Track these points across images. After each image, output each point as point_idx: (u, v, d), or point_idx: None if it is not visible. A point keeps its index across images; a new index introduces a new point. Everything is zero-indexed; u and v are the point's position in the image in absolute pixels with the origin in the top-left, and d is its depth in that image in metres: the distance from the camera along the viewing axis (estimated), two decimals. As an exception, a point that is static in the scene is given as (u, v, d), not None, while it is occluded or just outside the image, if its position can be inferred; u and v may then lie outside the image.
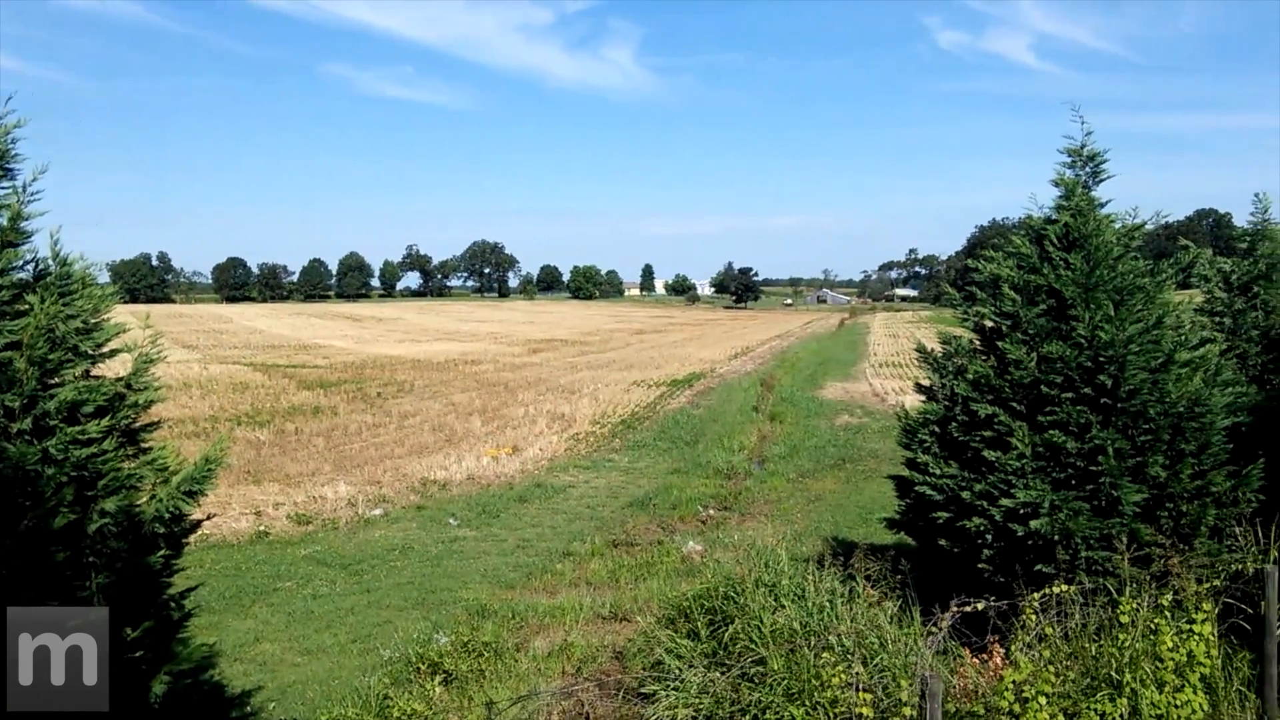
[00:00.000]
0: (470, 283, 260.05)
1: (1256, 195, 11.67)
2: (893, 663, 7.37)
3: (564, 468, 27.66)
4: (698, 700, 7.64)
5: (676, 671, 8.20)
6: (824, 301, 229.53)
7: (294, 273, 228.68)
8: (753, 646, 8.02)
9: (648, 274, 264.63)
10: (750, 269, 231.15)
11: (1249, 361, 10.69)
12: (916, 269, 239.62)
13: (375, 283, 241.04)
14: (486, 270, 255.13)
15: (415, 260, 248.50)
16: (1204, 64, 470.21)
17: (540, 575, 16.58)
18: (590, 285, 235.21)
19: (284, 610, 15.04)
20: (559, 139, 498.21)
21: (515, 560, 17.96)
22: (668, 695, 7.88)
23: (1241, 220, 11.98)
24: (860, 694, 6.14)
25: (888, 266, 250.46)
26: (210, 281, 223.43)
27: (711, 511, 21.93)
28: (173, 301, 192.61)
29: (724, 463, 27.65)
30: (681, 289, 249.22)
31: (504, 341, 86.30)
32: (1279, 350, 10.67)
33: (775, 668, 7.53)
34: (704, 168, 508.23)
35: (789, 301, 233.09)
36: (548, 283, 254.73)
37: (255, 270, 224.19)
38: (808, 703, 6.82)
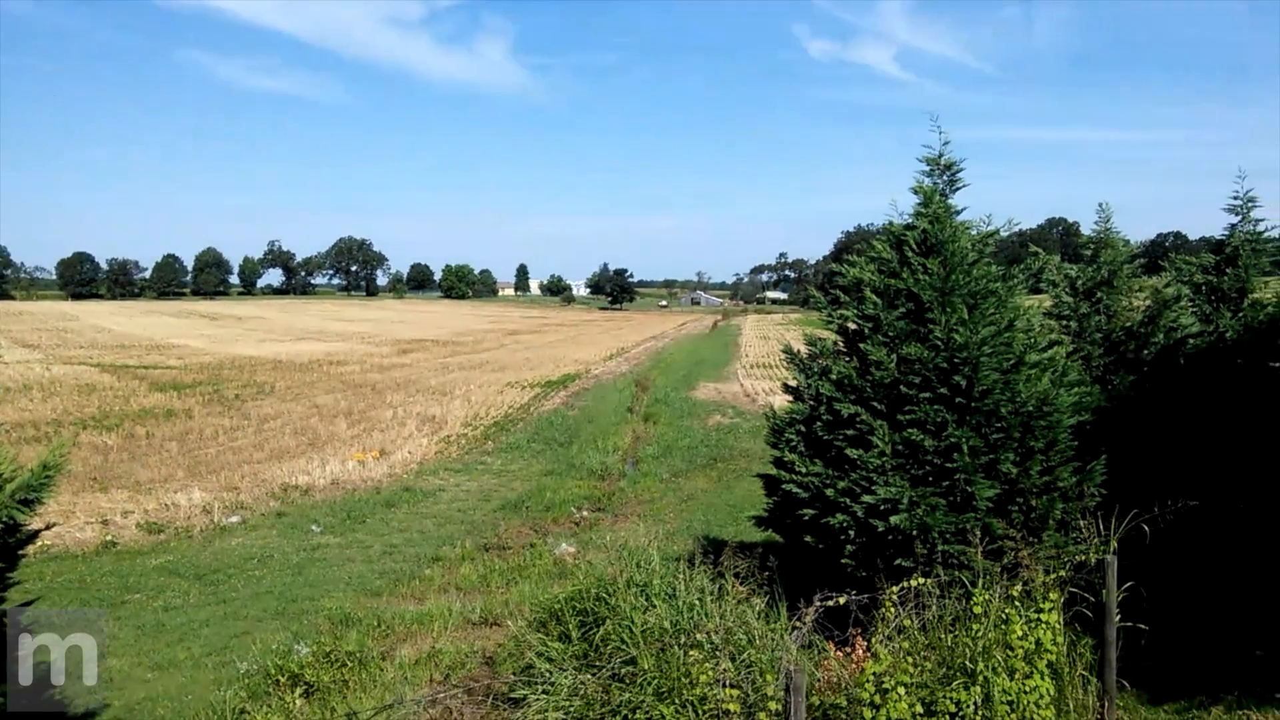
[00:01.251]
0: (336, 281, 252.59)
1: (1100, 205, 12.36)
2: (759, 658, 7.48)
3: (434, 471, 27.18)
4: (568, 703, 7.58)
5: (547, 674, 8.12)
6: (698, 303, 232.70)
7: (146, 269, 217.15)
8: (624, 647, 8.01)
9: (522, 274, 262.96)
10: (626, 270, 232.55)
11: (1093, 363, 11.31)
12: (787, 272, 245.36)
13: (234, 280, 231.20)
14: (354, 268, 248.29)
15: (278, 257, 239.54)
16: (1055, 79, 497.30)
17: (408, 582, 16.22)
18: (463, 285, 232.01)
19: (132, 624, 14.27)
20: (431, 135, 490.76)
21: (382, 567, 17.53)
22: (538, 699, 7.80)
23: (1088, 229, 12.66)
24: (727, 690, 6.21)
25: (759, 269, 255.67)
26: (55, 277, 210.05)
27: (585, 513, 21.91)
28: (12, 298, 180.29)
29: (598, 464, 27.69)
30: (557, 289, 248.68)
31: (372, 341, 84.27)
32: (1120, 352, 11.33)
33: (646, 667, 7.54)
34: (580, 168, 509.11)
35: (664, 303, 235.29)
36: (418, 281, 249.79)
37: (104, 266, 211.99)
38: (677, 701, 6.85)
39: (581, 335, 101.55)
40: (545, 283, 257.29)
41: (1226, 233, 14.58)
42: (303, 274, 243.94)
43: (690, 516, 20.80)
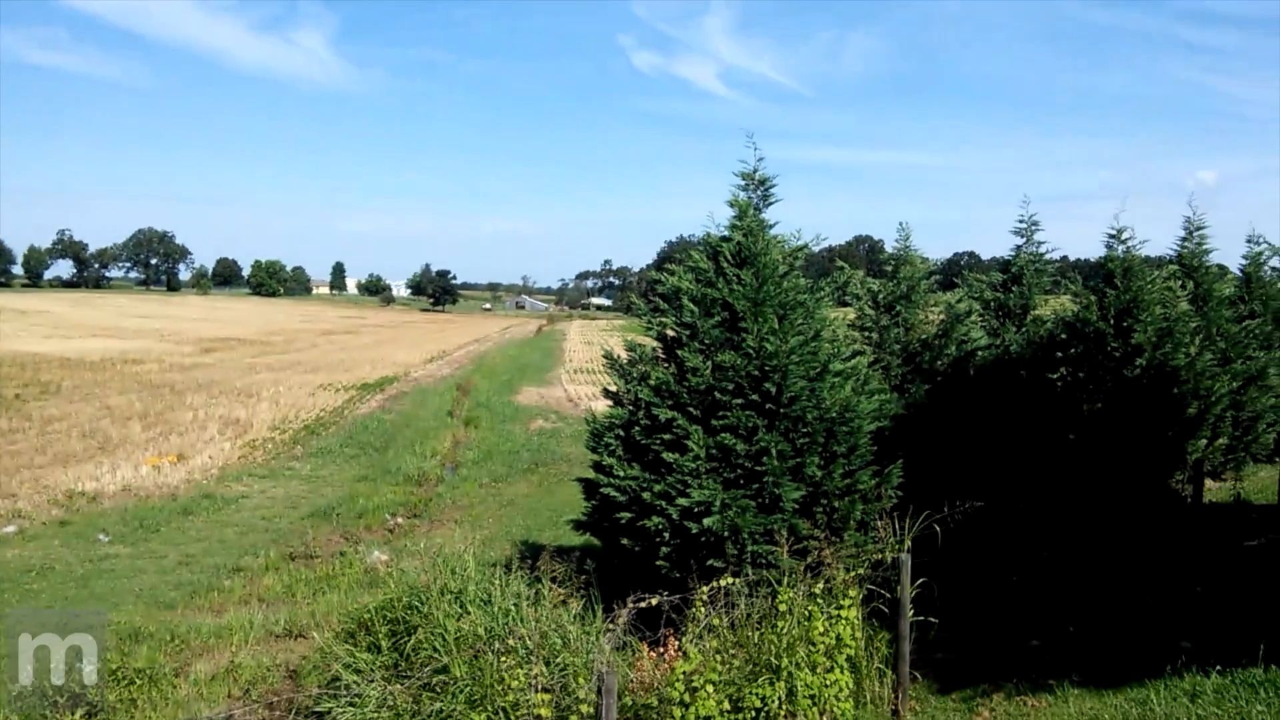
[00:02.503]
0: (134, 274, 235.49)
1: (900, 224, 13.15)
2: (574, 661, 7.51)
3: (237, 477, 25.89)
4: (376, 714, 7.38)
5: (355, 687, 7.88)
6: (523, 308, 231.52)
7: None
8: (436, 655, 7.88)
9: (339, 272, 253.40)
10: (449, 272, 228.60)
11: (891, 372, 12.00)
12: (612, 279, 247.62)
13: (18, 270, 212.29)
14: (154, 261, 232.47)
15: (68, 247, 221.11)
16: (865, 103, 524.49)
17: (205, 594, 15.36)
18: (274, 282, 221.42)
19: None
20: (242, 124, 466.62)
21: (177, 578, 16.53)
22: (344, 711, 7.56)
23: (891, 246, 13.42)
24: (539, 694, 6.21)
25: (585, 275, 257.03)
26: None
27: (400, 519, 21.40)
28: None
29: (415, 469, 27.11)
30: (376, 289, 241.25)
31: (173, 339, 79.36)
32: (916, 363, 12.08)
33: (458, 675, 7.44)
34: (402, 166, 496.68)
35: (488, 306, 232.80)
36: (225, 277, 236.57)
37: None
38: (490, 708, 6.79)
39: (401, 337, 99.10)
40: (363, 282, 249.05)
41: (1013, 253, 15.83)
42: (96, 266, 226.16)
43: (510, 522, 20.67)
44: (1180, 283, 16.99)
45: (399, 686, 7.50)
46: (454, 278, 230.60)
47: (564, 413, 40.04)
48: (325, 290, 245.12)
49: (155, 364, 56.58)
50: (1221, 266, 18.90)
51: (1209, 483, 15.55)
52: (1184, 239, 18.19)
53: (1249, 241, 19.85)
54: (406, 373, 56.87)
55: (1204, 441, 15.60)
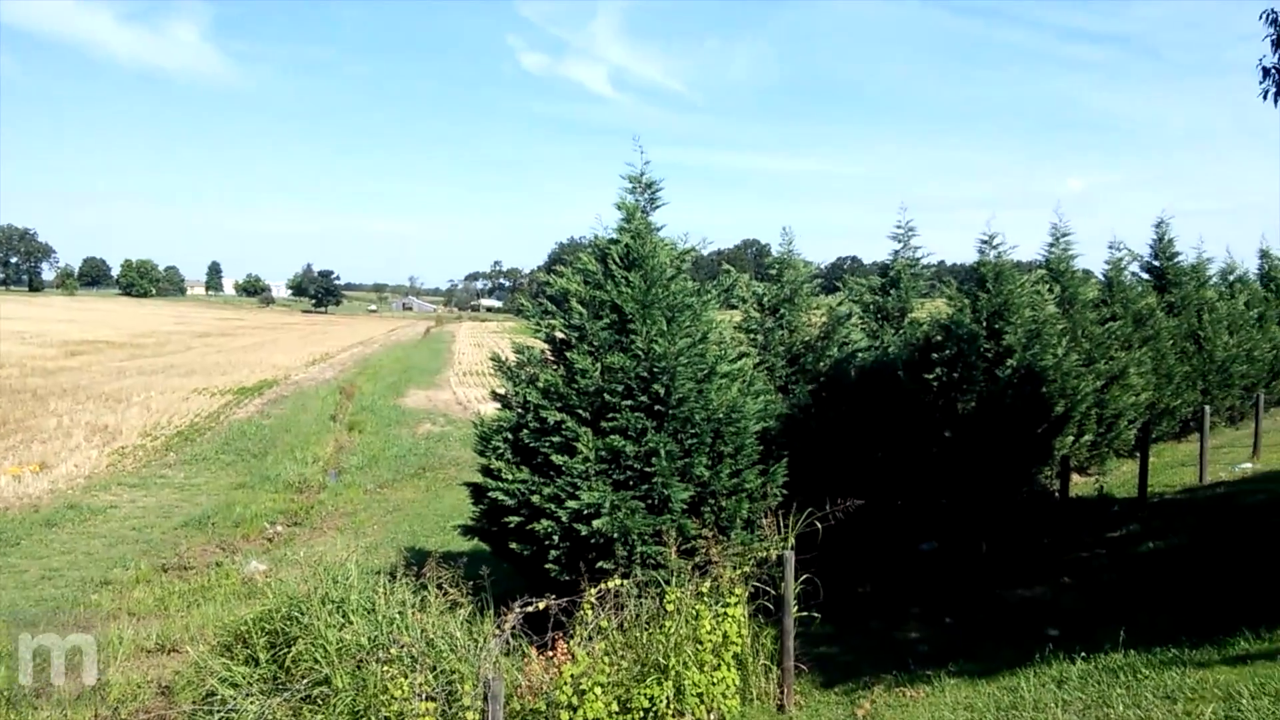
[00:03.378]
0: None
1: (784, 229, 13.41)
2: (461, 668, 7.41)
3: (105, 486, 24.66)
4: (254, 729, 7.13)
5: (231, 701, 7.60)
6: (410, 309, 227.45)
7: None
8: (317, 666, 7.66)
9: (215, 272, 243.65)
10: (332, 272, 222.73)
11: (776, 374, 12.21)
12: (502, 281, 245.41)
13: None
14: (14, 260, 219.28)
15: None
16: (753, 109, 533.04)
17: (70, 609, 14.56)
18: (145, 282, 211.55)
19: None
20: (111, 118, 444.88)
21: (39, 594, 15.63)
22: (220, 728, 7.28)
23: (776, 250, 13.65)
24: (424, 703, 6.09)
25: (474, 277, 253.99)
26: None
27: (280, 528, 20.74)
28: None
29: (296, 475, 26.31)
30: (254, 290, 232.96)
31: (34, 342, 75.04)
32: (800, 364, 12.32)
33: (341, 686, 7.26)
34: (283, 163, 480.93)
35: (373, 308, 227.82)
36: (93, 277, 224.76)
37: None
38: (374, 718, 6.64)
39: (281, 339, 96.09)
40: (241, 282, 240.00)
41: (891, 258, 16.33)
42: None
43: (396, 528, 20.26)
44: (1048, 286, 17.83)
45: (278, 700, 7.26)
46: (337, 278, 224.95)
47: (453, 416, 39.47)
48: (200, 291, 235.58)
49: (15, 368, 53.40)
50: (1087, 271, 19.94)
51: (1075, 477, 16.33)
52: (1051, 245, 19.12)
53: (1111, 247, 21.02)
54: (287, 376, 55.16)
55: (1070, 438, 16.39)
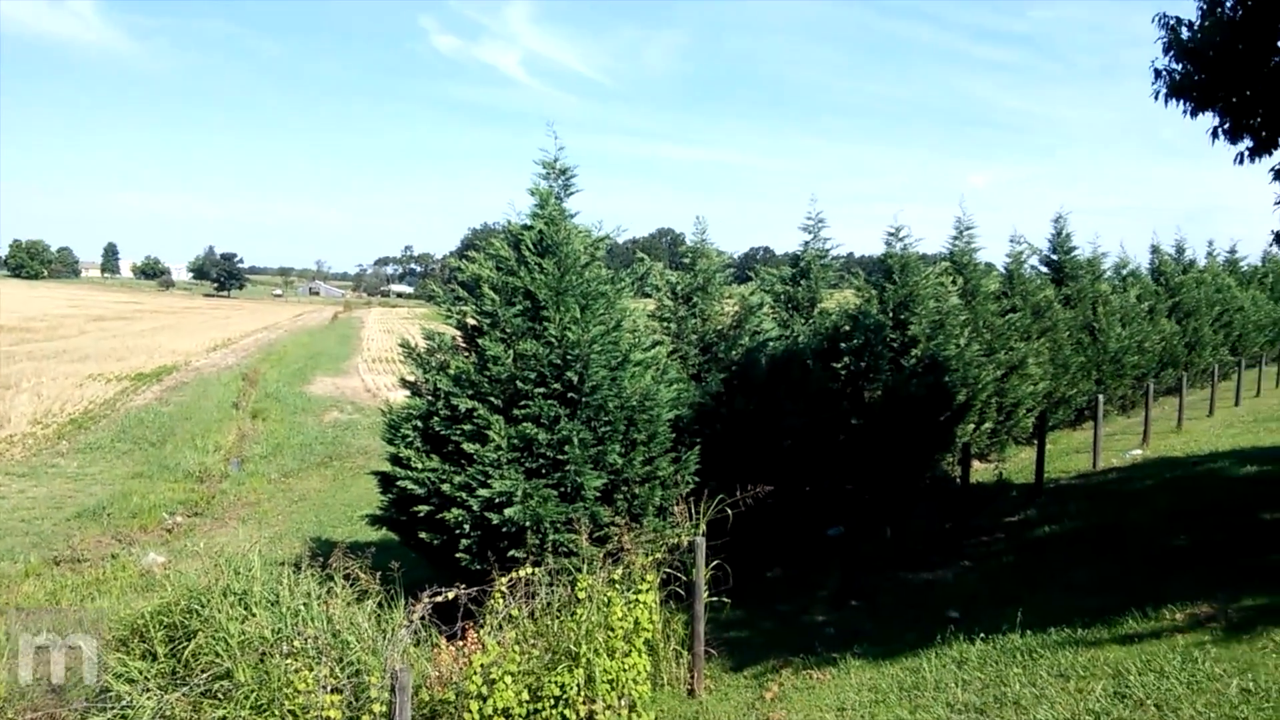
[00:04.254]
0: None
1: (697, 218, 13.47)
2: (369, 660, 7.29)
3: (-8, 476, 23.54)
4: (151, 727, 6.89)
5: (128, 698, 7.33)
6: (317, 294, 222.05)
7: None
8: (219, 660, 7.44)
9: (111, 254, 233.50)
10: (235, 255, 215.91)
11: (689, 362, 12.28)
12: (413, 266, 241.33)
13: None
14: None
15: None
16: (668, 98, 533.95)
17: (-49, 605, 13.88)
18: (36, 263, 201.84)
19: None
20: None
21: (-81, 590, 14.85)
22: (115, 725, 7.01)
23: (690, 240, 13.70)
24: (329, 695, 5.97)
25: (384, 261, 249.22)
26: None
27: (180, 519, 20.10)
28: None
29: (197, 465, 25.50)
30: (153, 273, 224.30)
31: (-85, 326, 71.14)
32: (713, 353, 12.41)
33: (243, 679, 7.06)
34: (185, 143, 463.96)
35: (279, 292, 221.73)
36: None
37: None
38: (277, 712, 6.47)
39: (182, 323, 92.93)
40: (139, 265, 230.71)
41: (801, 249, 16.57)
42: None
43: (301, 518, 19.82)
44: (952, 279, 18.35)
45: (177, 694, 7.03)
46: (241, 262, 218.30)
47: (361, 403, 38.73)
48: (96, 273, 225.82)
49: (-110, 353, 50.58)
50: (989, 264, 20.58)
51: (976, 464, 16.85)
52: (955, 238, 19.66)
53: (1012, 241, 21.72)
54: (187, 362, 53.39)
55: (972, 426, 16.92)
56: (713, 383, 11.95)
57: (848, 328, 15.43)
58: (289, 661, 6.67)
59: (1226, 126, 8.59)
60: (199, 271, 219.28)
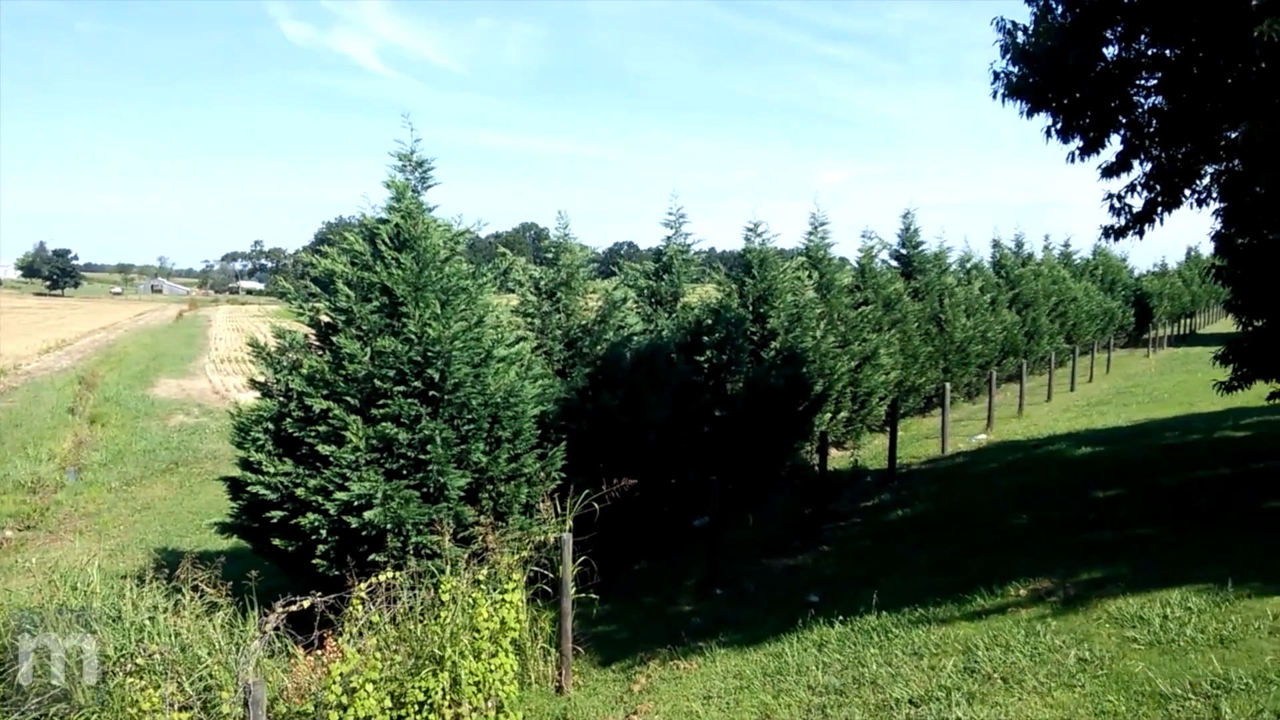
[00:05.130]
0: None
1: (560, 213, 13.39)
2: (220, 674, 6.97)
3: None
4: (-24, 759, 6.40)
5: (-52, 730, 6.78)
6: (160, 292, 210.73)
7: None
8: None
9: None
10: (69, 251, 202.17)
11: (554, 357, 12.20)
12: (263, 261, 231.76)
13: None
14: None
15: None
16: (527, 91, 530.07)
17: None
18: None
19: None
20: None
21: None
22: (-68, 762, 6.47)
23: (554, 234, 13.60)
24: (177, 713, 5.66)
25: (232, 257, 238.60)
26: None
27: (9, 533, 18.71)
28: None
29: (28, 474, 23.80)
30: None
31: None
32: (577, 348, 12.37)
33: (83, 701, 6.65)
34: (6, 132, 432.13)
35: (118, 290, 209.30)
36: None
37: None
38: (120, 735, 6.11)
39: (10, 324, 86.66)
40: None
41: (664, 244, 16.72)
42: None
43: (146, 528, 18.78)
44: (808, 273, 18.88)
45: (6, 723, 6.55)
46: (75, 258, 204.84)
47: (209, 406, 36.98)
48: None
49: None
50: (843, 259, 21.27)
51: (833, 451, 17.40)
52: (811, 233, 20.23)
53: (863, 236, 22.52)
54: (17, 366, 49.81)
55: (829, 415, 17.45)
56: (578, 378, 11.92)
57: (710, 321, 15.66)
58: (133, 680, 6.31)
59: (1059, 126, 9.09)
60: (29, 269, 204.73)
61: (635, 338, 13.10)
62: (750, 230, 17.48)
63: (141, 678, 6.34)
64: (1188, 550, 7.72)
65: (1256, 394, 10.86)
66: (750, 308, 16.57)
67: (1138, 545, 8.24)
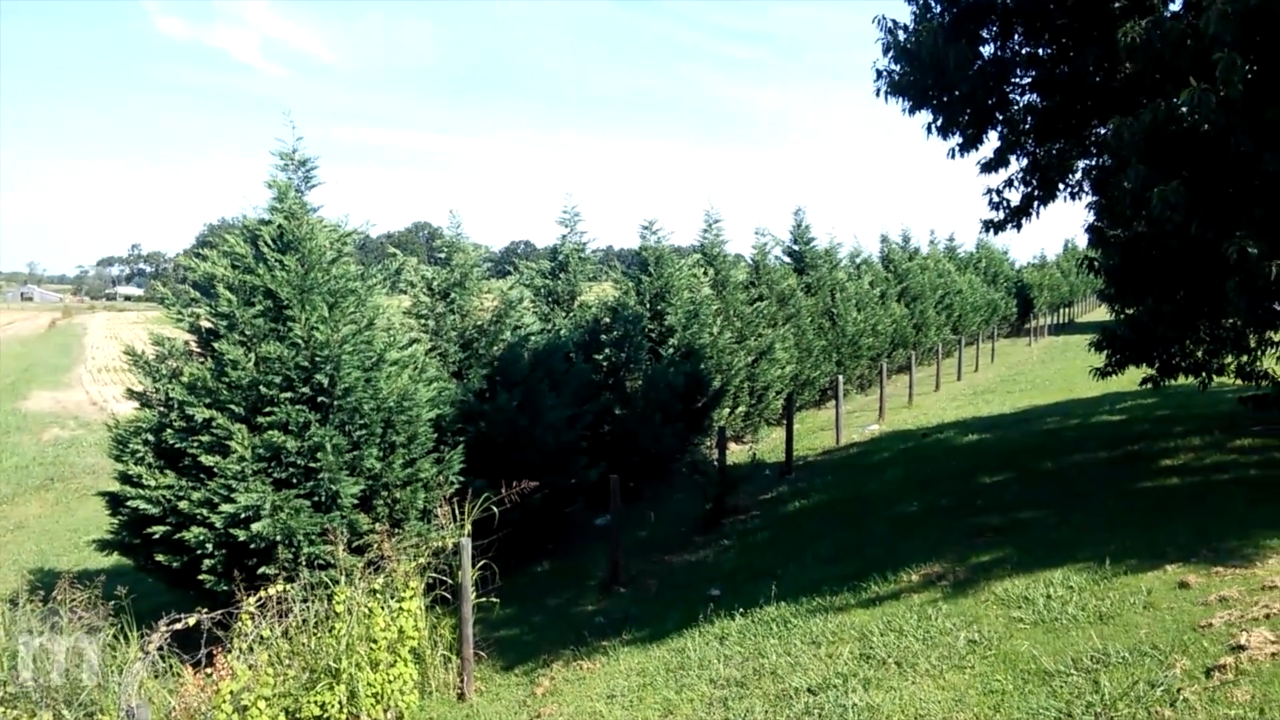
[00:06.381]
0: None
1: (452, 212, 13.20)
2: (101, 698, 6.64)
3: None
4: None
5: None
6: (31, 299, 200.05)
7: None
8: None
9: None
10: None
11: (449, 359, 12.01)
12: (142, 266, 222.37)
13: None
14: None
15: None
16: (419, 88, 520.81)
17: None
18: None
19: None
20: None
21: None
22: None
23: (447, 234, 13.39)
24: (49, 747, 5.37)
25: (108, 262, 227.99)
26: None
27: None
28: None
29: (-114, 497, 22.36)
30: None
31: None
32: (474, 349, 12.20)
33: (-55, 739, 6.24)
34: None
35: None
36: None
37: None
38: (-11, 771, 5.76)
39: None
40: None
41: (560, 243, 16.65)
42: None
43: (19, 549, 17.83)
44: (704, 270, 19.06)
45: None
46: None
47: (86, 418, 35.28)
48: None
49: None
50: (738, 255, 21.57)
51: (732, 446, 17.60)
52: (705, 230, 20.43)
53: (757, 233, 22.85)
54: None
55: (727, 410, 17.65)
56: (475, 380, 11.76)
57: (608, 320, 15.66)
58: (4, 710, 5.96)
59: (939, 124, 9.36)
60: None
61: (533, 338, 13.00)
62: (646, 228, 17.54)
63: (15, 707, 6.00)
64: (1069, 531, 8.03)
65: (1130, 379, 11.39)
66: (648, 305, 16.63)
67: (1023, 528, 8.54)
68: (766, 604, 7.77)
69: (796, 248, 24.60)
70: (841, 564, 8.77)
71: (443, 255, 12.82)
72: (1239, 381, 10.23)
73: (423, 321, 12.09)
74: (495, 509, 9.04)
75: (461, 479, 10.08)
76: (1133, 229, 8.55)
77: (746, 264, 21.74)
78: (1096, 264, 10.44)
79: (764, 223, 23.69)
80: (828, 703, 5.63)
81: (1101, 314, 37.35)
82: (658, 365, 15.62)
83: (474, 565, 8.24)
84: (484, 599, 8.53)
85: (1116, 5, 7.81)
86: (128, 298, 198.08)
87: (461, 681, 7.91)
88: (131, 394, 9.45)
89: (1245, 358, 9.91)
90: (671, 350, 16.21)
